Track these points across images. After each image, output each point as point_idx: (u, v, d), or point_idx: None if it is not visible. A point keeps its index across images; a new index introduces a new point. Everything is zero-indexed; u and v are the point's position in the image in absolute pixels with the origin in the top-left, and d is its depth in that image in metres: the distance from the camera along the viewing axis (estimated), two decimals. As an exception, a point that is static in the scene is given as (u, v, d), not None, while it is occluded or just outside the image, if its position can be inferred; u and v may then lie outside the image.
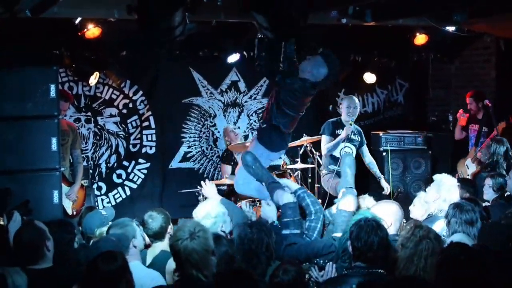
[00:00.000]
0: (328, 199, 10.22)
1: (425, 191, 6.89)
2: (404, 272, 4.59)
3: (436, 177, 6.96)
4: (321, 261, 5.28)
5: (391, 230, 5.51)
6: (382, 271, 4.67)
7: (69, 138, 8.38)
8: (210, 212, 5.95)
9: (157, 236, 5.89)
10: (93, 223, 6.34)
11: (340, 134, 8.97)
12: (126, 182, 10.53)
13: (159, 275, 5.24)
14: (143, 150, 10.58)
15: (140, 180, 10.60)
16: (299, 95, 6.97)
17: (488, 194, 7.54)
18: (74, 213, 8.29)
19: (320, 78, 6.97)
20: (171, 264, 5.11)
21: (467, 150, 10.13)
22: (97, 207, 9.70)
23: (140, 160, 10.59)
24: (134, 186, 10.57)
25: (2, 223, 6.16)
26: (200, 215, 5.94)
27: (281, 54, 7.12)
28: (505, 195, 7.47)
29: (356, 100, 9.11)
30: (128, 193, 10.55)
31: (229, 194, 9.66)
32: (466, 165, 9.86)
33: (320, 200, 9.67)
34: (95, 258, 4.38)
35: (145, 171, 10.62)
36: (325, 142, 9.09)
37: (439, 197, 6.64)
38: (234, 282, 4.07)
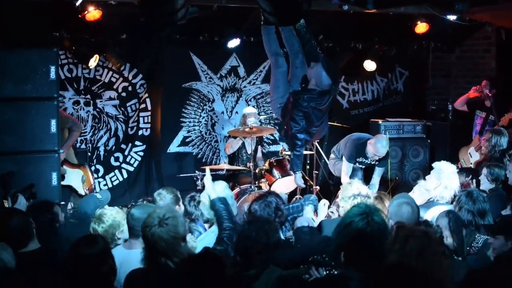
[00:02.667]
0: (326, 185, 10.27)
1: (424, 179, 6.91)
2: None
3: (436, 164, 6.98)
4: (318, 257, 4.98)
5: None
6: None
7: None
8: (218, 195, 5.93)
9: None
10: (87, 207, 6.33)
11: (360, 161, 8.73)
12: (123, 165, 10.52)
13: None
14: (140, 133, 10.56)
15: (136, 162, 10.59)
16: (310, 110, 7.26)
17: (484, 184, 7.38)
18: (87, 192, 8.28)
19: (324, 87, 7.17)
20: None
21: (466, 139, 10.13)
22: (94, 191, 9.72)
23: (137, 143, 10.57)
24: (131, 168, 10.56)
25: (6, 206, 6.17)
26: (207, 199, 5.93)
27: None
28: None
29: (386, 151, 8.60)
30: (125, 176, 10.54)
31: (227, 179, 9.68)
32: (469, 153, 9.82)
33: (318, 187, 9.77)
34: (76, 243, 4.36)
35: (141, 154, 10.60)
36: (345, 170, 8.72)
37: (440, 184, 6.67)
38: (201, 266, 3.97)
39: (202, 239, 5.68)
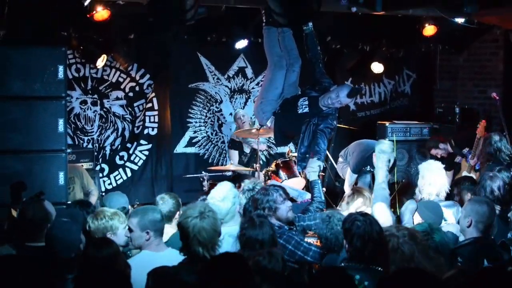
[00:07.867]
0: (332, 188, 10.26)
1: None
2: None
3: (421, 165, 6.93)
4: None
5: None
6: (380, 268, 4.43)
7: (75, 185, 8.23)
8: (228, 194, 5.96)
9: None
10: (115, 205, 6.29)
11: (368, 170, 8.57)
12: (128, 163, 10.50)
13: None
14: (145, 132, 10.55)
15: (141, 161, 10.58)
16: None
17: None
18: None
19: (345, 103, 7.33)
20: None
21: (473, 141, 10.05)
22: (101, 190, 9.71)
23: (142, 141, 10.56)
24: (135, 167, 10.54)
25: (15, 215, 6.15)
26: (218, 197, 5.94)
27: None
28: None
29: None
30: (129, 174, 10.52)
31: (234, 180, 9.67)
32: None
33: (324, 189, 9.74)
34: (87, 246, 4.41)
35: (146, 153, 10.59)
36: (349, 180, 8.66)
37: (428, 182, 6.62)
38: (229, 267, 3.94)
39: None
